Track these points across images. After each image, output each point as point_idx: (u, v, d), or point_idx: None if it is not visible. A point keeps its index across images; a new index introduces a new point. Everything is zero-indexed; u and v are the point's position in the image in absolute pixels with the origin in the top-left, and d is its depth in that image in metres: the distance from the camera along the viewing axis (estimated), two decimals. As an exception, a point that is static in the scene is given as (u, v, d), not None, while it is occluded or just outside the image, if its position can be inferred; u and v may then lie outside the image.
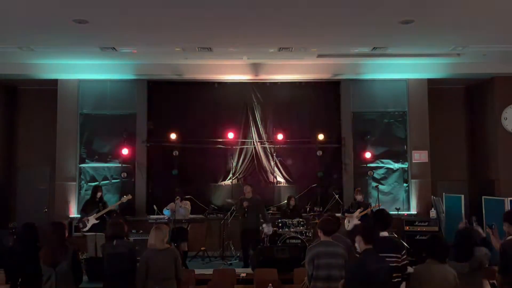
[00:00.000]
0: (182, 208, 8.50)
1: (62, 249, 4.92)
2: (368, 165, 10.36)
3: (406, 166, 10.45)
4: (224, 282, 6.30)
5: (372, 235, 4.04)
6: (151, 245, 4.91)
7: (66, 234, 5.12)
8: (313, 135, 10.33)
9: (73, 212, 9.95)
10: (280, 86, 10.63)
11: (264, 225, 8.65)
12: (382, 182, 10.39)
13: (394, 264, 4.35)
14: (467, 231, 4.89)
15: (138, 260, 5.15)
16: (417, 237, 9.04)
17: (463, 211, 9.21)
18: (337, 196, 9.77)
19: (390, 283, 3.94)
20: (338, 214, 9.17)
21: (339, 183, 10.41)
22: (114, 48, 8.53)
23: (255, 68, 9.96)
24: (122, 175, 10.17)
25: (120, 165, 10.20)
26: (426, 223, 9.35)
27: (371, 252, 3.94)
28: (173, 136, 10.08)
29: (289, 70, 10.04)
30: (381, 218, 4.66)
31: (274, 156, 10.30)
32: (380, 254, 4.28)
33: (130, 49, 8.73)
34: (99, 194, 8.56)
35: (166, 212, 8.60)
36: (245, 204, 8.55)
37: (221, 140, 10.44)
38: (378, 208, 7.90)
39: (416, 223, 9.39)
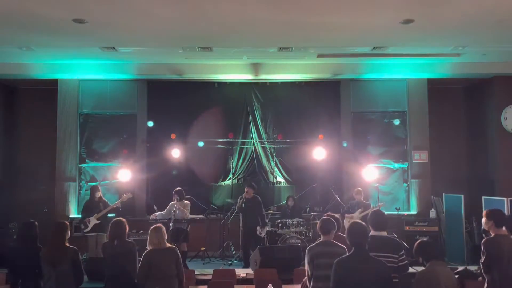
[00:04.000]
0: (180, 210, 8.49)
1: (63, 249, 4.92)
2: (368, 165, 10.36)
3: (406, 166, 10.45)
4: (224, 282, 6.29)
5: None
6: (154, 245, 4.90)
7: (69, 234, 5.12)
8: (313, 135, 10.32)
9: (73, 212, 9.96)
10: (280, 86, 10.64)
11: (258, 227, 8.66)
12: (382, 182, 10.39)
13: (389, 265, 4.35)
14: None
15: (139, 260, 5.15)
16: (417, 237, 9.02)
17: (463, 211, 9.21)
18: (337, 196, 9.76)
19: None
20: (337, 214, 9.18)
21: (339, 183, 10.41)
22: (114, 48, 8.53)
23: (255, 68, 9.96)
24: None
25: (120, 165, 10.20)
26: (426, 223, 9.35)
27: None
28: (173, 136, 10.07)
29: (289, 70, 10.05)
30: (375, 219, 4.65)
31: (274, 156, 10.30)
32: (377, 254, 4.29)
33: (130, 49, 8.74)
34: (98, 194, 8.53)
35: (159, 215, 8.59)
36: (245, 195, 8.63)
37: (221, 140, 10.44)
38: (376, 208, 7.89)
39: (416, 223, 9.39)
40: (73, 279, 4.95)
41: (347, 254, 3.97)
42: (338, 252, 4.40)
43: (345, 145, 10.13)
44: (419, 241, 4.30)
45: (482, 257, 4.58)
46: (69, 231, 5.14)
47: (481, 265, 4.66)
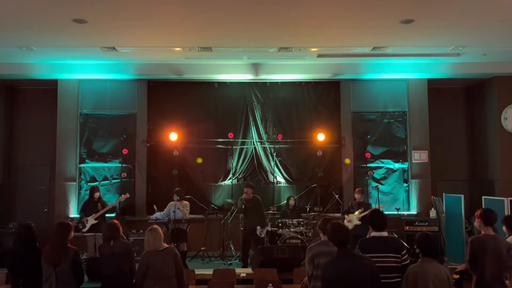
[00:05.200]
0: (180, 210, 8.50)
1: (63, 249, 4.92)
2: (368, 165, 10.36)
3: (406, 166, 10.44)
4: (224, 282, 6.29)
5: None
6: (150, 247, 4.89)
7: (71, 235, 5.12)
8: (313, 135, 10.33)
9: (73, 212, 9.95)
10: (280, 86, 10.63)
11: (258, 227, 8.64)
12: (382, 182, 10.38)
13: (394, 264, 4.36)
14: None
15: (136, 260, 5.15)
16: (417, 237, 9.03)
17: (463, 211, 9.21)
18: (337, 196, 9.76)
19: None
20: (337, 214, 9.20)
21: (339, 183, 10.42)
22: (114, 48, 8.54)
23: (255, 68, 9.96)
24: (122, 175, 10.16)
25: (120, 165, 10.20)
26: (426, 223, 9.36)
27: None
28: (173, 136, 10.08)
29: (289, 70, 10.04)
30: (374, 218, 4.66)
31: (274, 156, 10.30)
32: (380, 254, 4.29)
33: (130, 49, 8.74)
34: (96, 195, 8.56)
35: (159, 215, 8.61)
36: (245, 196, 8.65)
37: (221, 140, 10.44)
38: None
39: (416, 223, 9.39)
40: (74, 279, 4.95)
41: (333, 257, 3.92)
42: (338, 252, 4.40)
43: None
44: (422, 232, 4.33)
45: (467, 255, 4.71)
46: (72, 232, 5.15)
47: (467, 263, 4.77)
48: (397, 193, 10.42)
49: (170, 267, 4.84)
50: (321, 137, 10.18)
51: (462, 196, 9.33)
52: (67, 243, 5.02)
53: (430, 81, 10.39)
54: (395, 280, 4.35)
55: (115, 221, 5.43)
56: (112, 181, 10.31)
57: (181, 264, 4.99)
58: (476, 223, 4.87)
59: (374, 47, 8.64)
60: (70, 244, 5.10)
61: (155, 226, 5.10)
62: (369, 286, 3.71)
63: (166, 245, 4.97)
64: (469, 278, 5.69)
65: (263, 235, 8.67)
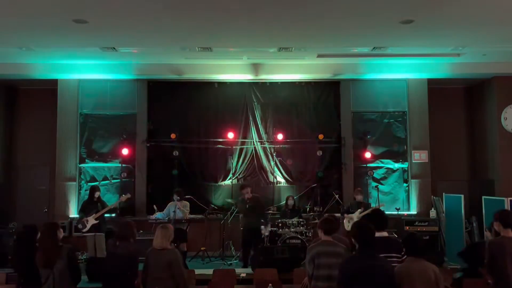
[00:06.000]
0: (180, 210, 8.49)
1: (57, 250, 4.89)
2: (368, 165, 10.36)
3: (406, 166, 10.44)
4: (224, 282, 6.29)
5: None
6: (156, 244, 4.90)
7: (61, 234, 5.08)
8: (313, 135, 10.33)
9: (73, 212, 9.95)
10: (280, 86, 10.63)
11: (262, 226, 8.64)
12: (382, 182, 10.38)
13: (396, 264, 4.36)
14: None
15: (140, 262, 5.13)
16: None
17: (463, 211, 9.21)
18: (337, 196, 9.75)
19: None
20: (337, 214, 9.19)
21: (339, 183, 10.41)
22: (114, 48, 8.54)
23: (255, 68, 9.97)
24: (122, 175, 10.16)
25: (120, 165, 10.20)
26: (426, 223, 9.36)
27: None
28: (173, 136, 10.08)
29: (289, 70, 10.05)
30: (375, 218, 4.64)
31: (274, 156, 10.30)
32: (381, 254, 4.29)
33: (130, 49, 8.74)
34: (97, 194, 8.55)
35: (159, 215, 8.60)
36: (247, 196, 8.63)
37: (221, 140, 10.44)
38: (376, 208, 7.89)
39: (416, 223, 9.39)
40: (71, 278, 4.93)
41: (354, 253, 3.96)
42: (339, 252, 4.41)
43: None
44: (408, 233, 4.33)
45: (486, 257, 4.66)
46: (61, 230, 5.10)
47: (485, 266, 4.72)
48: (397, 193, 10.42)
49: (163, 269, 4.80)
50: (321, 137, 10.18)
51: (462, 196, 9.33)
52: (58, 242, 4.97)
53: (430, 81, 10.39)
54: None
55: (131, 222, 5.35)
56: (112, 181, 10.31)
57: (181, 268, 4.88)
58: (495, 225, 4.79)
59: (374, 47, 8.65)
60: (64, 243, 5.06)
61: (169, 225, 5.11)
62: (384, 286, 3.74)
63: (169, 247, 4.94)
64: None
65: (267, 233, 8.65)
